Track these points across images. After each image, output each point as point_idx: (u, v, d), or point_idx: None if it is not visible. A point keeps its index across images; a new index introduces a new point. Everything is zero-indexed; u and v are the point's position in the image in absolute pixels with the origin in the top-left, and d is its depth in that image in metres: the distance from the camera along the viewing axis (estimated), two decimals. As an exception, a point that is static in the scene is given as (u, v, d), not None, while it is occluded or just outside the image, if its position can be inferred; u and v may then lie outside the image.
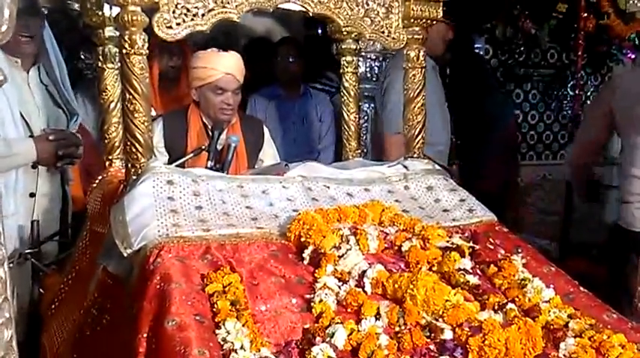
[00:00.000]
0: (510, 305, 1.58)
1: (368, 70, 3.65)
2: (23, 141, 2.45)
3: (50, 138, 2.48)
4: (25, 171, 2.48)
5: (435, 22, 2.22)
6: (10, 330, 1.12)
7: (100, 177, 2.19)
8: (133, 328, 1.44)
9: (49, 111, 2.58)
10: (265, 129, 2.74)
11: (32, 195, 2.50)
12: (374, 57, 3.65)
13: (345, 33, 2.35)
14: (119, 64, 1.99)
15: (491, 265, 1.76)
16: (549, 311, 1.60)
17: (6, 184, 2.42)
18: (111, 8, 2.01)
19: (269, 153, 2.68)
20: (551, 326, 1.55)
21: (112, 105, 2.19)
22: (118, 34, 1.89)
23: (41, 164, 2.51)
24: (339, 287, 1.59)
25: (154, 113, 2.52)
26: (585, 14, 4.26)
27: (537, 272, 1.77)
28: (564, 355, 1.46)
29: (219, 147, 2.41)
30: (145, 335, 1.41)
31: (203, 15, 1.82)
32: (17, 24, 2.58)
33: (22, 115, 2.46)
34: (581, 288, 1.76)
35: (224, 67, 2.46)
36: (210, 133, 2.47)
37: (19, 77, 2.49)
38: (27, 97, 2.50)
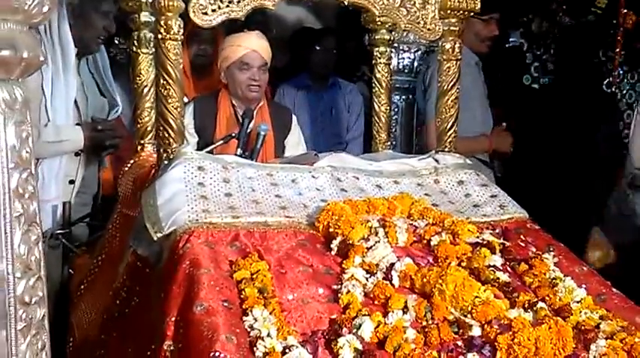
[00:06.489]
0: (541, 304, 1.55)
1: (400, 62, 3.61)
2: (72, 128, 2.49)
3: (99, 127, 2.52)
4: (68, 158, 2.52)
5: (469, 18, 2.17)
6: (43, 309, 1.13)
7: (131, 161, 2.21)
8: (162, 311, 1.45)
9: (95, 99, 2.62)
10: (293, 117, 2.74)
11: (72, 181, 2.54)
12: (407, 49, 3.60)
13: (379, 23, 2.33)
14: (153, 50, 2.01)
15: (522, 263, 1.73)
16: (580, 312, 1.57)
17: (49, 170, 2.46)
18: (148, -7, 2.02)
19: (293, 141, 2.68)
20: (582, 327, 1.52)
21: (146, 90, 2.21)
22: (153, 19, 1.90)
23: (86, 152, 2.54)
24: (367, 279, 1.58)
25: (185, 100, 2.54)
26: (625, 10, 4.14)
27: (569, 272, 1.73)
28: (595, 357, 1.43)
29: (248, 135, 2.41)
30: (173, 318, 1.42)
31: (239, 1, 1.82)
32: (104, 21, 2.57)
33: (75, 102, 2.49)
34: (614, 289, 1.72)
35: (249, 43, 2.52)
36: (239, 118, 2.49)
37: (74, 65, 2.51)
38: (78, 85, 2.53)
